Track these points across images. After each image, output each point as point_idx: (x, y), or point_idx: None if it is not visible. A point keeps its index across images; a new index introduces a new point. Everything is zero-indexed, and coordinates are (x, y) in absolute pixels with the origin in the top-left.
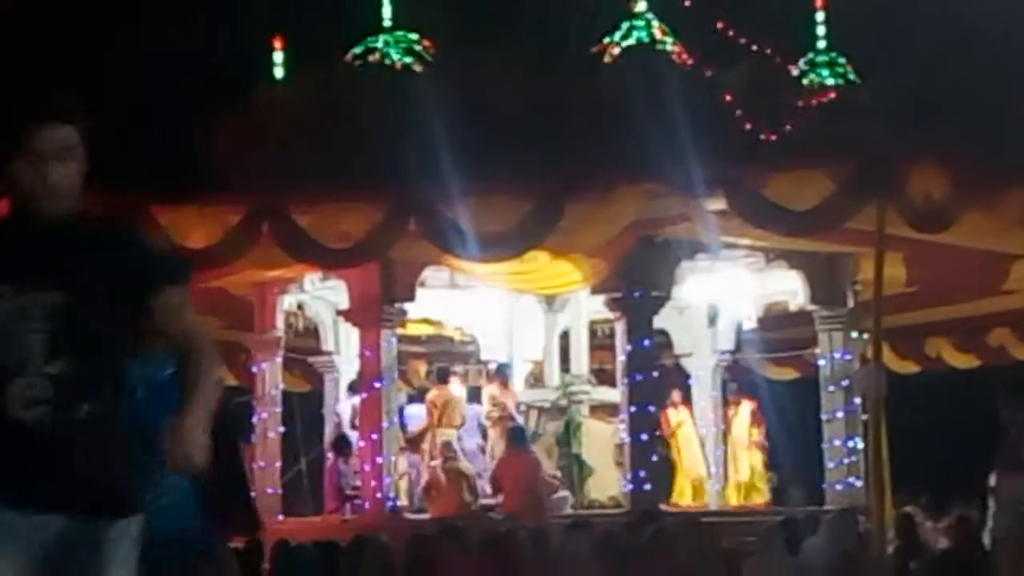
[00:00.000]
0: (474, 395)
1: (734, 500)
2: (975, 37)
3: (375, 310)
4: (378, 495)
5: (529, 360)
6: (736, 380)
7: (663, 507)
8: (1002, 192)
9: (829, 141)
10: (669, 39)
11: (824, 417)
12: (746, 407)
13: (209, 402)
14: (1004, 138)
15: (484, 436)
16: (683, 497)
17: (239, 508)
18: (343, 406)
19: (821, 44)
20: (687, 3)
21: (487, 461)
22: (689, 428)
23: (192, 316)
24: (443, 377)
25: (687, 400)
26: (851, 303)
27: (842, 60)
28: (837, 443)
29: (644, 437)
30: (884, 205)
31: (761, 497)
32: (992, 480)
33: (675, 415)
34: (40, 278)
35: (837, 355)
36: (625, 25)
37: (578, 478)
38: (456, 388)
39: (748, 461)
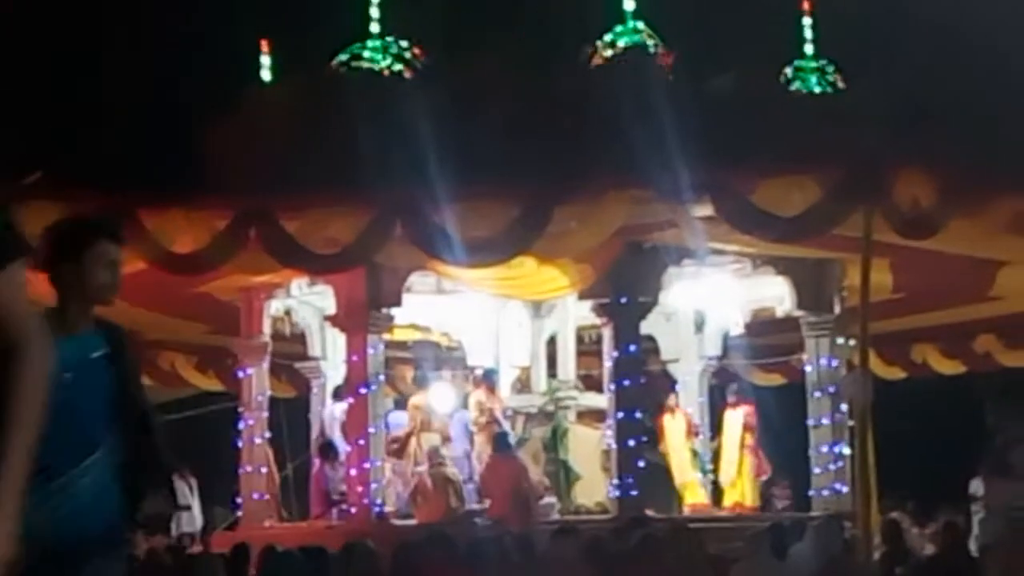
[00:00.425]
0: (461, 401)
1: (726, 502)
2: (961, 44)
3: (362, 315)
4: (365, 500)
5: (516, 366)
6: (735, 383)
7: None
8: (988, 199)
9: (816, 147)
10: (657, 44)
11: (811, 423)
12: (742, 411)
13: (26, 455)
14: (991, 145)
15: (472, 442)
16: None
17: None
18: (327, 412)
19: (808, 50)
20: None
21: (474, 467)
22: (681, 432)
23: (17, 306)
24: (424, 383)
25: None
26: (838, 309)
27: (829, 67)
28: (824, 449)
29: (631, 443)
30: (871, 211)
31: (751, 500)
32: (973, 487)
33: (671, 420)
34: None
35: (824, 361)
36: (614, 31)
37: (565, 484)
38: (441, 393)
39: (740, 464)
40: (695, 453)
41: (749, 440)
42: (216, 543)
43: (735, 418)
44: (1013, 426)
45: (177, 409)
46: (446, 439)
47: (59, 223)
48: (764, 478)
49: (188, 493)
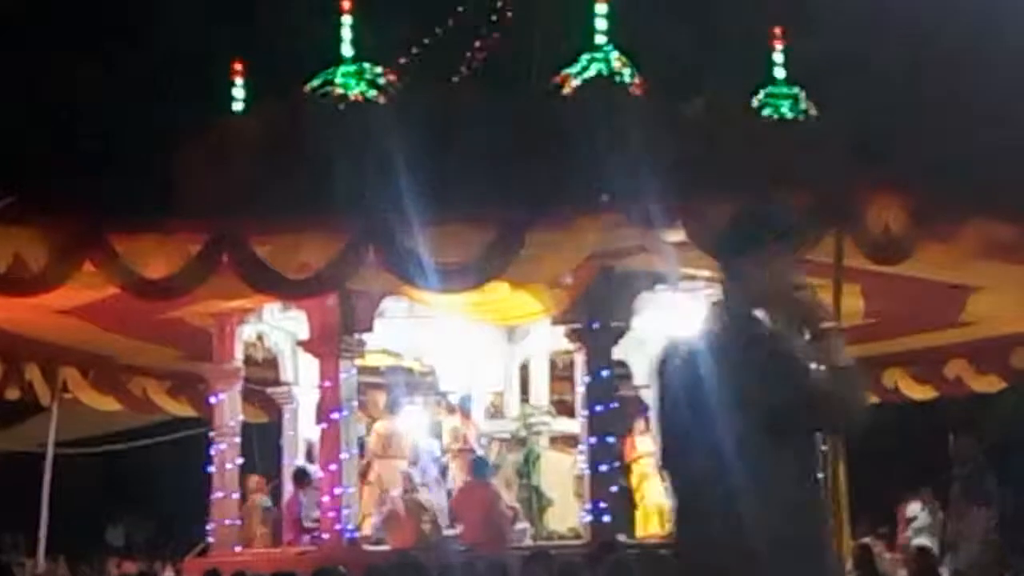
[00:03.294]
0: (433, 427)
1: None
2: (932, 70)
3: (334, 341)
4: (337, 526)
5: (489, 391)
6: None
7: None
8: (959, 224)
9: (788, 173)
10: (629, 71)
11: None
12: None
13: None
14: (961, 170)
15: (440, 470)
16: (648, 526)
17: None
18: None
19: (780, 77)
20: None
21: (442, 496)
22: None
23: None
24: (394, 409)
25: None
26: None
27: (801, 93)
28: None
29: (603, 468)
30: (842, 236)
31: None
32: (909, 511)
33: (641, 443)
34: None
35: None
36: (585, 57)
37: (537, 509)
38: (408, 419)
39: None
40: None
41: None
42: (188, 569)
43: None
44: (981, 453)
45: (149, 434)
46: (411, 465)
47: None
48: None
49: None
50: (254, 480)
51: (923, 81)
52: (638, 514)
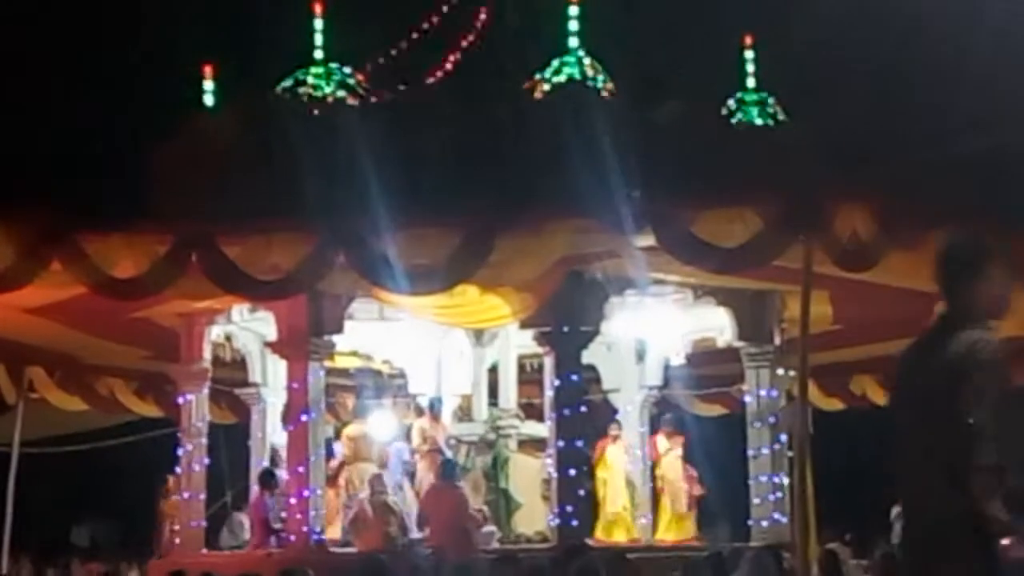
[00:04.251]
0: (402, 429)
1: (670, 535)
2: (901, 79)
3: (303, 342)
4: (304, 528)
5: (457, 394)
6: (672, 415)
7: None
8: (927, 232)
9: (757, 179)
10: (600, 76)
11: (750, 453)
12: (678, 442)
13: None
14: (929, 178)
15: (407, 473)
16: (612, 531)
17: None
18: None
19: (750, 83)
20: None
21: (409, 498)
22: (619, 462)
23: None
24: (361, 413)
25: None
26: (778, 340)
27: (771, 99)
28: (763, 479)
29: (572, 472)
30: (811, 243)
31: (690, 531)
32: (895, 513)
33: (613, 449)
34: None
35: (763, 392)
36: (556, 62)
37: (505, 512)
38: (380, 422)
39: (684, 495)
40: (631, 484)
41: (687, 470)
42: (153, 570)
43: (672, 451)
44: None
45: (116, 435)
46: (383, 467)
47: None
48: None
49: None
50: (173, 480)
51: (893, 90)
52: (599, 522)
